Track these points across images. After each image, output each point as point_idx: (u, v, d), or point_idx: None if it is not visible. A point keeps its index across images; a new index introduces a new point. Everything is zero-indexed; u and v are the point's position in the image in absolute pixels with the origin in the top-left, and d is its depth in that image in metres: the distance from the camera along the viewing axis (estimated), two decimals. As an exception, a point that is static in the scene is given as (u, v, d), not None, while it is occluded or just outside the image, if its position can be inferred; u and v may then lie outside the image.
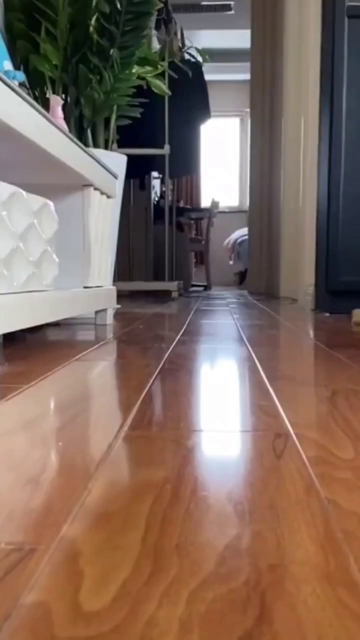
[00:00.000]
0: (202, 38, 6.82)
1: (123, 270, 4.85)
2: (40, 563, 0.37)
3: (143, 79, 2.91)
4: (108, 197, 2.07)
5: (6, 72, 1.60)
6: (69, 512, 0.45)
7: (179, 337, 1.65)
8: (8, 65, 1.75)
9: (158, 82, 2.98)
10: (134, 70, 2.69)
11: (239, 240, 6.88)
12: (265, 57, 4.86)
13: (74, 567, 0.37)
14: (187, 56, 4.23)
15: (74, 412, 0.78)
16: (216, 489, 0.50)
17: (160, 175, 5.34)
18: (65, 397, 0.88)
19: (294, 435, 0.67)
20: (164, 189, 5.44)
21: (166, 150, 3.52)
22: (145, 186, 4.91)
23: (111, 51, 2.50)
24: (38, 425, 0.71)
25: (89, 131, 2.62)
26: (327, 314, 2.64)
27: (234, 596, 0.33)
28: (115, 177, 2.12)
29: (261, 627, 0.30)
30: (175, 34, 4.17)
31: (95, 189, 1.89)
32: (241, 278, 4.66)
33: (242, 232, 6.91)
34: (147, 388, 0.94)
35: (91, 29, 2.46)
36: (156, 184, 5.54)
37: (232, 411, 0.81)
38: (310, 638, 0.29)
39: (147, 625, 0.30)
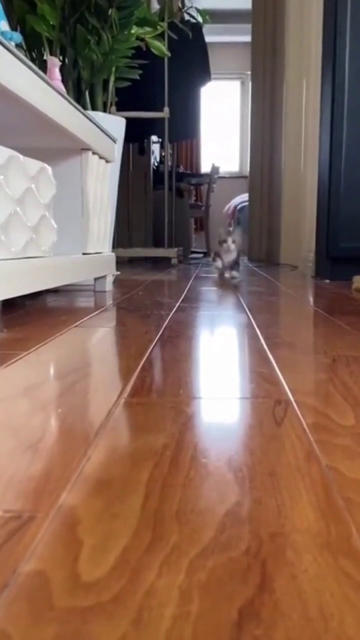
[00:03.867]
0: (202, -2, 6.66)
1: (122, 236, 4.81)
2: (38, 531, 0.37)
3: (142, 40, 2.85)
4: (107, 161, 2.04)
5: (2, 33, 1.56)
6: (68, 479, 0.45)
7: (178, 304, 1.64)
8: (4, 25, 1.70)
9: (157, 43, 2.92)
10: (132, 31, 2.63)
11: (239, 206, 6.82)
12: (267, 18, 4.75)
13: (73, 536, 0.36)
14: (187, 17, 4.14)
15: (73, 379, 0.78)
16: (216, 456, 0.50)
17: (160, 140, 5.26)
18: (64, 364, 0.88)
19: (294, 402, 0.66)
20: (163, 153, 5.38)
21: (166, 113, 3.47)
22: (144, 150, 4.85)
23: (109, 11, 2.44)
24: (37, 391, 0.71)
25: (87, 93, 2.58)
26: (328, 281, 2.63)
27: (234, 565, 0.33)
28: (114, 140, 2.08)
29: (262, 596, 0.30)
30: (175, -7, 4.07)
31: (94, 153, 1.86)
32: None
33: (242, 198, 6.85)
34: (147, 355, 0.93)
35: (89, -13, 2.40)
36: (155, 148, 5.47)
37: (232, 378, 0.80)
38: (312, 607, 0.29)
39: (146, 595, 0.30)
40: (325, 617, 0.28)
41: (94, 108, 2.62)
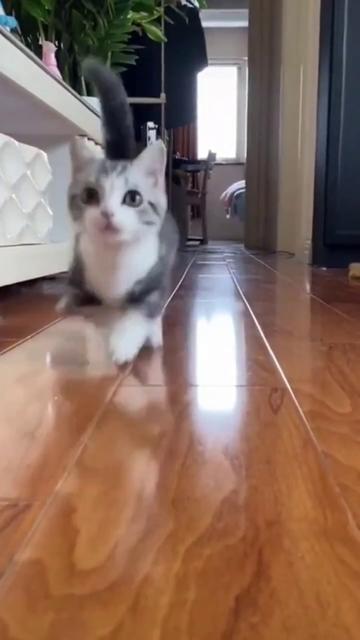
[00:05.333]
0: (199, -18, 6.59)
1: (119, 223, 4.78)
2: (35, 520, 0.37)
3: (138, 25, 2.82)
4: (103, 147, 2.03)
5: (-4, 17, 1.54)
6: (65, 467, 0.44)
7: (175, 291, 1.64)
8: (-1, 9, 1.68)
9: (154, 28, 2.89)
10: (129, 16, 2.60)
11: (236, 193, 6.79)
12: (264, 3, 4.71)
13: (69, 524, 0.36)
14: (183, 1, 4.10)
15: (69, 367, 0.78)
16: (212, 444, 0.50)
17: (156, 126, 5.23)
18: (60, 352, 0.88)
19: (290, 390, 0.66)
20: (160, 139, 5.35)
21: (162, 99, 3.44)
22: (140, 137, 4.82)
23: (105, -5, 2.42)
24: (34, 379, 0.71)
25: (82, 79, 2.55)
26: (324, 268, 2.62)
27: (231, 553, 0.33)
28: (110, 127, 2.06)
29: (259, 585, 0.30)
30: (172, -23, 4.03)
31: (90, 139, 1.85)
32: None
33: (239, 185, 6.82)
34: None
35: (84, -29, 2.37)
36: (152, 134, 5.44)
37: (228, 366, 0.80)
38: (308, 595, 0.29)
39: (143, 583, 0.30)
40: (322, 605, 0.28)
41: (89, 94, 2.59)
